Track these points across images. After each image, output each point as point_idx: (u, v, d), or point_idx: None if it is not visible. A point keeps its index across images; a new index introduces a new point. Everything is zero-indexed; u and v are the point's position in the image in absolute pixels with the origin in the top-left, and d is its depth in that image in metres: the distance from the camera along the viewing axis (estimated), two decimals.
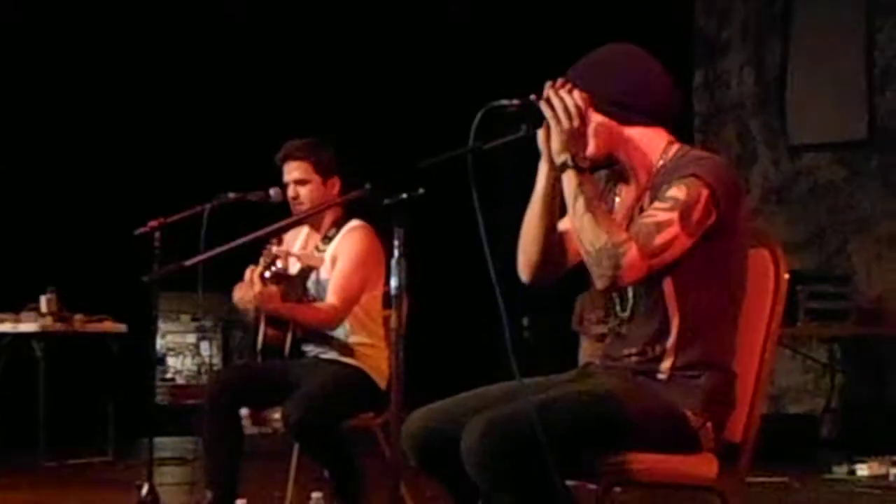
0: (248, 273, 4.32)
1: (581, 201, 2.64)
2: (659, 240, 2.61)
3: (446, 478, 2.75)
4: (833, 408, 7.77)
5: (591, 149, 2.74)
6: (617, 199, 2.87)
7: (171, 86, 8.27)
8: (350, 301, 4.35)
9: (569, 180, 2.66)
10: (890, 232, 7.86)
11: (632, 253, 2.59)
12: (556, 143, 2.67)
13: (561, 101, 2.67)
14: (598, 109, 2.74)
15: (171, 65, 8.29)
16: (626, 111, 2.76)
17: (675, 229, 2.61)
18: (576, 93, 2.69)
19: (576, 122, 2.66)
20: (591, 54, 2.82)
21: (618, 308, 2.79)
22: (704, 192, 2.63)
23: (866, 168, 7.98)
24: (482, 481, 2.54)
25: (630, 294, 2.75)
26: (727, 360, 2.74)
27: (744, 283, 2.75)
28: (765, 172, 8.36)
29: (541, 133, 2.72)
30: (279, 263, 4.30)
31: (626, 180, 2.85)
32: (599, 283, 2.65)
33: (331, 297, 4.36)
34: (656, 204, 2.65)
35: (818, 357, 7.87)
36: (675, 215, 2.61)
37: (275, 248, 4.35)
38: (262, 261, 4.34)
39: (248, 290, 4.31)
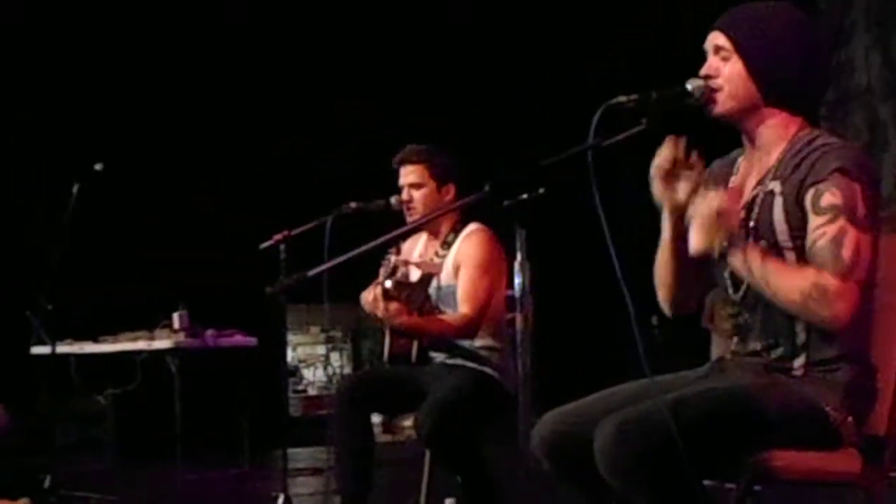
0: (372, 288, 4.34)
1: (756, 272, 2.56)
2: (846, 253, 2.53)
3: (580, 481, 2.70)
4: None
5: (723, 106, 2.68)
6: (734, 177, 2.79)
7: (290, 94, 8.37)
8: (482, 307, 4.32)
9: (734, 260, 2.60)
10: None
11: (833, 283, 2.51)
12: (702, 239, 2.59)
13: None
14: (749, 75, 2.67)
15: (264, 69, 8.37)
16: (778, 94, 2.68)
17: (852, 235, 2.53)
18: (714, 194, 2.60)
19: (714, 217, 2.58)
20: (755, 11, 2.72)
21: (730, 289, 2.72)
22: (857, 187, 2.55)
23: None
24: (617, 483, 2.48)
25: (738, 293, 2.69)
26: (864, 352, 2.64)
27: (874, 272, 2.65)
28: None
29: (656, 187, 2.66)
30: (399, 273, 4.30)
31: (748, 156, 2.78)
32: (827, 328, 2.56)
33: (462, 307, 4.33)
34: (817, 221, 2.56)
35: None
36: (843, 222, 2.54)
37: (393, 258, 4.35)
38: (381, 272, 4.35)
39: (374, 305, 4.31)
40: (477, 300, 4.31)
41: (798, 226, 2.61)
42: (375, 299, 4.25)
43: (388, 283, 4.23)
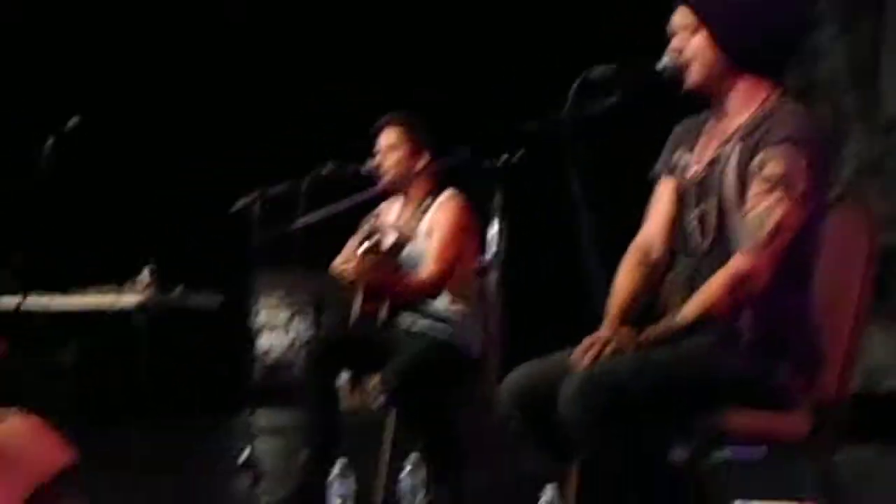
0: (345, 253, 4.44)
1: (687, 316, 2.70)
2: (769, 224, 2.64)
3: (544, 434, 2.81)
4: None
5: (693, 78, 2.77)
6: (703, 137, 2.89)
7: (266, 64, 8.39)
8: (448, 267, 4.42)
9: (663, 332, 2.74)
10: None
11: (746, 262, 2.65)
12: None
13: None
14: (716, 43, 2.75)
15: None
16: (746, 57, 2.78)
17: (784, 207, 2.64)
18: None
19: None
20: None
21: (698, 238, 2.82)
22: (803, 161, 2.65)
23: None
24: (579, 436, 2.60)
25: (711, 231, 2.79)
26: (813, 320, 2.77)
27: (819, 240, 2.77)
28: (859, 146, 8.27)
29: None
30: (375, 237, 4.40)
31: (717, 117, 2.87)
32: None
33: (429, 265, 4.44)
34: (756, 188, 2.67)
35: None
36: (780, 194, 2.64)
37: (372, 222, 4.45)
38: (358, 234, 4.44)
39: (347, 264, 4.41)
40: (444, 261, 4.42)
41: (747, 183, 2.72)
42: (350, 259, 4.35)
43: (364, 246, 4.33)
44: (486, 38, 8.16)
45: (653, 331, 2.73)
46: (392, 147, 4.55)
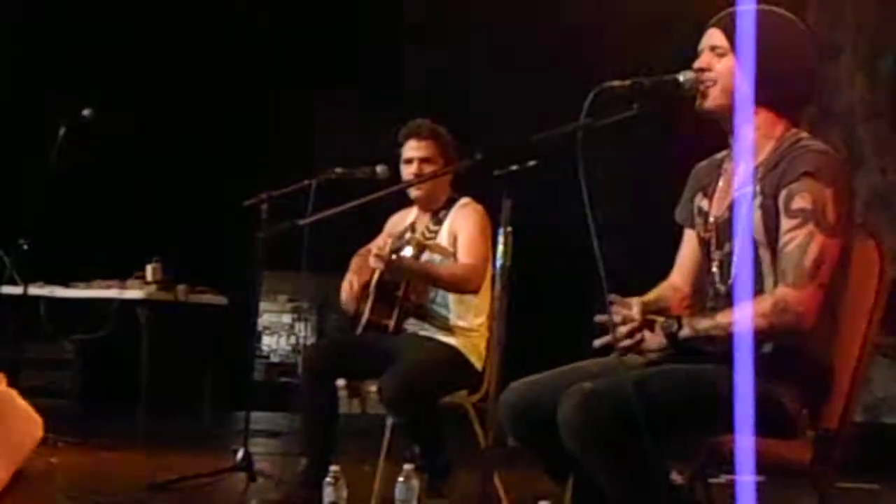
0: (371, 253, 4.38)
1: (716, 328, 2.65)
2: (808, 259, 2.62)
3: (541, 449, 2.78)
4: None
5: (712, 100, 2.75)
6: (721, 180, 2.87)
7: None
8: (484, 259, 4.35)
9: (687, 335, 2.68)
10: None
11: (791, 294, 2.61)
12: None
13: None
14: (742, 72, 2.73)
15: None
16: (768, 93, 2.75)
17: (818, 240, 2.62)
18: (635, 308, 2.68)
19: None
20: (747, 12, 2.77)
21: (717, 283, 2.80)
22: (827, 192, 2.63)
23: None
24: (577, 450, 2.56)
25: (731, 274, 2.76)
26: (826, 352, 2.73)
27: (847, 276, 2.75)
28: (871, 179, 8.24)
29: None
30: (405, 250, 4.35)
31: (732, 157, 2.86)
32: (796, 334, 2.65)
33: (465, 259, 4.38)
34: (787, 224, 2.65)
35: None
36: (811, 227, 2.62)
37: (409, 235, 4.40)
38: (387, 245, 4.38)
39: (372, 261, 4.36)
40: (476, 256, 4.37)
41: (773, 225, 2.70)
42: (378, 257, 4.29)
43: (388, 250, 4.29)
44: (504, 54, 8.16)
45: (689, 322, 2.67)
46: (426, 160, 4.50)
